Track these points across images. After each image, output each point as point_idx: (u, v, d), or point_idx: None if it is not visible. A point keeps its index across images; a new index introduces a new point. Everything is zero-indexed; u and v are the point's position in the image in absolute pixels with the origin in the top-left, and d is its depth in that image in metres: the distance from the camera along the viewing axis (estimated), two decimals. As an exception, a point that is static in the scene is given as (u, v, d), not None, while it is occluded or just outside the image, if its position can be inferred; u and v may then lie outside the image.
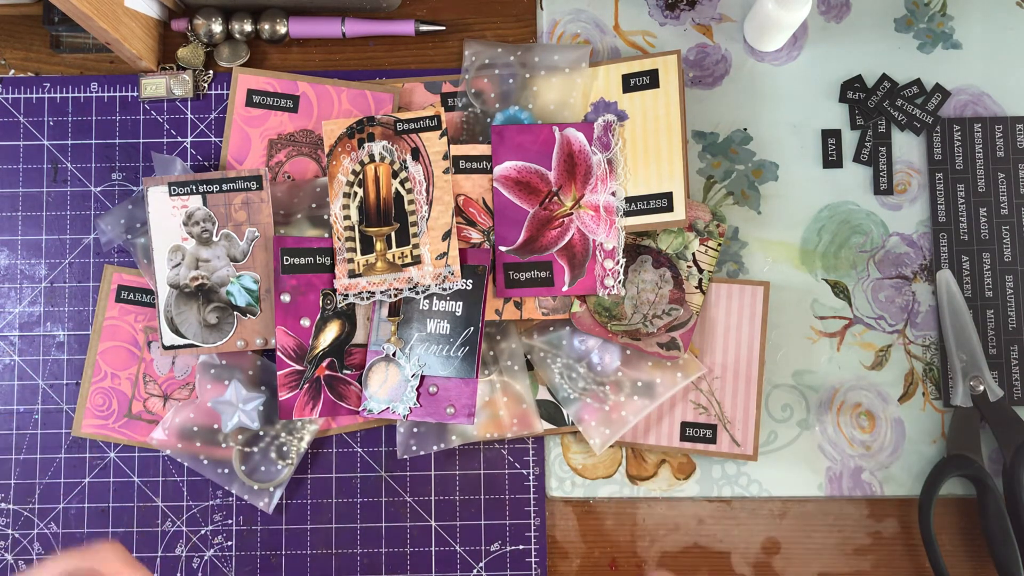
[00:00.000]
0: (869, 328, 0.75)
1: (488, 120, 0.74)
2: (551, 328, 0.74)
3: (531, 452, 0.74)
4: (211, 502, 0.74)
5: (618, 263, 0.73)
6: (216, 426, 0.72)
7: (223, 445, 0.73)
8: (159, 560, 0.73)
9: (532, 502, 0.74)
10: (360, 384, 0.72)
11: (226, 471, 0.73)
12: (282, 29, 0.76)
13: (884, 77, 0.77)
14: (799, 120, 0.77)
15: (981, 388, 0.73)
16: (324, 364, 0.72)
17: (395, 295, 0.72)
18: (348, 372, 0.72)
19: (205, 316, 0.72)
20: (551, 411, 0.74)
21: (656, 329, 0.73)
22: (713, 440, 0.73)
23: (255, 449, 0.73)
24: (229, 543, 0.73)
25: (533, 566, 0.73)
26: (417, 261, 0.72)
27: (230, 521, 0.74)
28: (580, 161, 0.73)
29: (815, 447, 0.74)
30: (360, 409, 0.72)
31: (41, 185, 0.76)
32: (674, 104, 0.73)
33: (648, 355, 0.73)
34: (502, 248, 0.73)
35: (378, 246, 0.72)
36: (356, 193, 0.72)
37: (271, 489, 0.73)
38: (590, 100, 0.75)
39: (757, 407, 0.73)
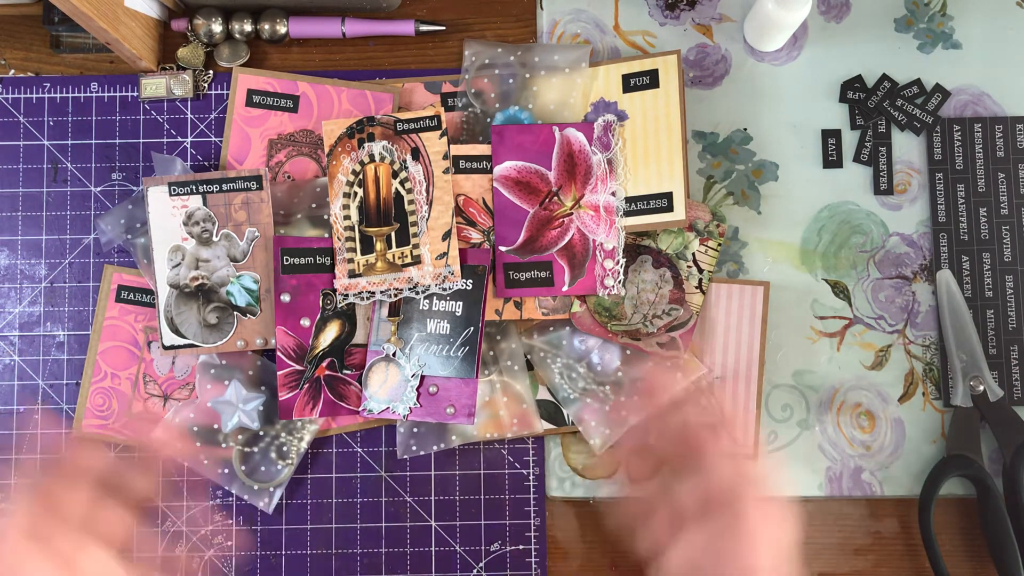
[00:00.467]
0: (869, 328, 0.75)
1: (488, 120, 0.74)
2: (551, 328, 0.74)
3: (531, 452, 0.74)
4: (211, 502, 0.74)
5: (618, 263, 0.73)
6: (216, 426, 0.72)
7: (223, 445, 0.73)
8: (159, 560, 0.73)
9: (532, 502, 0.74)
10: (360, 384, 0.72)
11: (226, 471, 0.73)
12: (282, 29, 0.76)
13: (884, 77, 0.77)
14: (799, 120, 0.77)
15: (981, 388, 0.73)
16: (324, 364, 0.72)
17: (395, 295, 0.72)
18: (348, 372, 0.72)
19: (205, 316, 0.72)
20: (551, 411, 0.74)
21: (656, 329, 0.73)
22: (713, 440, 0.73)
23: (255, 449, 0.73)
24: (229, 543, 0.73)
25: (533, 566, 0.73)
26: (417, 261, 0.72)
27: (230, 521, 0.74)
28: (580, 161, 0.73)
29: (815, 447, 0.74)
30: (360, 409, 0.72)
31: (41, 185, 0.76)
32: (674, 104, 0.73)
33: (648, 355, 0.73)
34: (502, 248, 0.73)
35: (378, 246, 0.72)
36: (356, 193, 0.72)
37: (271, 489, 0.73)
38: (590, 100, 0.75)
39: (757, 407, 0.73)
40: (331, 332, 0.72)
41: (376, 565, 0.73)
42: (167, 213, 0.72)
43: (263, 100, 0.75)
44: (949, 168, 0.76)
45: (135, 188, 0.76)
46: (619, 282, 0.73)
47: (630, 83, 0.74)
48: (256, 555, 0.73)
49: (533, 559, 0.73)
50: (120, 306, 0.74)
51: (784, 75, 0.77)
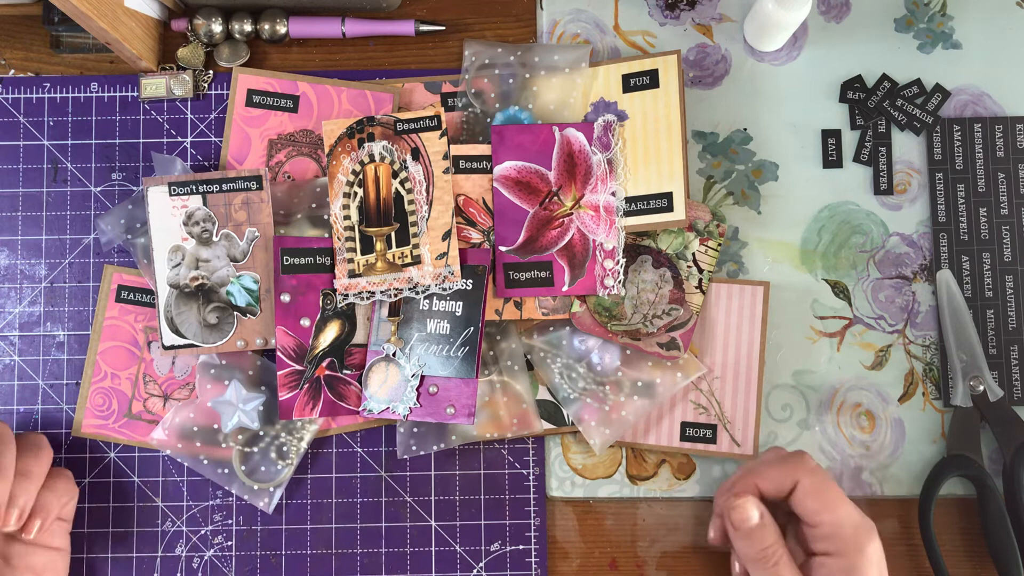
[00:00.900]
0: (869, 328, 0.75)
1: (488, 120, 0.74)
2: (551, 328, 0.74)
3: (531, 452, 0.74)
4: (211, 502, 0.74)
5: (618, 263, 0.73)
6: (216, 426, 0.72)
7: (223, 445, 0.73)
8: (159, 560, 0.73)
9: (532, 502, 0.74)
10: (360, 384, 0.72)
11: (226, 471, 0.73)
12: (282, 29, 0.76)
13: (884, 77, 0.77)
14: (799, 120, 0.77)
15: (981, 388, 0.73)
16: (324, 364, 0.72)
17: (395, 295, 0.72)
18: (348, 372, 0.72)
19: (205, 316, 0.72)
20: (551, 411, 0.74)
21: (656, 329, 0.73)
22: (713, 440, 0.73)
23: (255, 449, 0.73)
24: (229, 543, 0.73)
25: (533, 566, 0.73)
26: (417, 261, 0.72)
27: (230, 521, 0.74)
28: (580, 161, 0.73)
29: (815, 447, 0.74)
30: (360, 409, 0.72)
31: (41, 185, 0.76)
32: (674, 104, 0.73)
33: (648, 355, 0.73)
34: (502, 248, 0.73)
35: (378, 246, 0.72)
36: (356, 193, 0.72)
37: (271, 489, 0.73)
38: (590, 100, 0.75)
39: (757, 407, 0.73)
40: (331, 332, 0.72)
41: (376, 565, 0.73)
42: (167, 213, 0.72)
43: (263, 100, 0.75)
44: (949, 168, 0.76)
45: (135, 188, 0.76)
46: (619, 282, 0.73)
47: (630, 83, 0.74)
48: (256, 555, 0.73)
49: (533, 559, 0.73)
50: (120, 306, 0.74)
51: (784, 75, 0.77)
